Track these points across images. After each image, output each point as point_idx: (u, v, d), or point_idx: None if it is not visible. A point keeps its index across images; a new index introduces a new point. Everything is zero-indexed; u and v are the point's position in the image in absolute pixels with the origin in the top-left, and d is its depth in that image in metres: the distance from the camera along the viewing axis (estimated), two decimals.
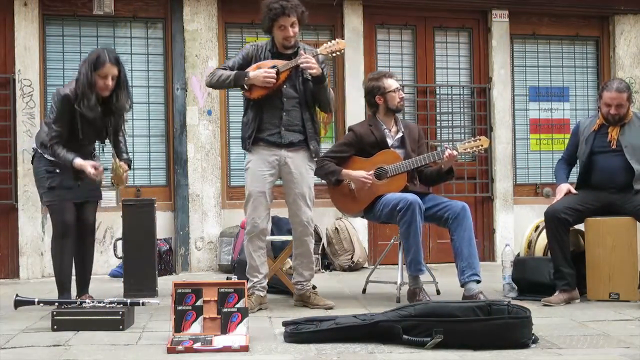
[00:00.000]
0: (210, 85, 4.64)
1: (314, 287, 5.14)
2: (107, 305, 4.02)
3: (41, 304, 4.15)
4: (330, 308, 4.48)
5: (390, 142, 4.93)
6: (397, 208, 4.62)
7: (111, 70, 4.29)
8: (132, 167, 4.71)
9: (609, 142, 4.84)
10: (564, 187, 4.87)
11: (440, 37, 7.48)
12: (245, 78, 4.42)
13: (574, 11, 7.65)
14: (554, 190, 5.17)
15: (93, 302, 4.11)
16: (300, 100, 4.51)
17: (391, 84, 4.95)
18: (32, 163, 4.64)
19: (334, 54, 4.55)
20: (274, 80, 4.38)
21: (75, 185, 4.45)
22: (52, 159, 4.42)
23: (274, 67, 4.43)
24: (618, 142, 4.81)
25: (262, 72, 4.39)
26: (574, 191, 4.84)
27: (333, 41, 4.54)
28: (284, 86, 4.47)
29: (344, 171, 4.86)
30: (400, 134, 4.98)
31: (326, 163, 4.90)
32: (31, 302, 4.12)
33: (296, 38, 4.51)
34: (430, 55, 7.43)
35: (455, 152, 4.73)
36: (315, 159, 4.67)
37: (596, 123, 4.91)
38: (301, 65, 4.39)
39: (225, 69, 4.55)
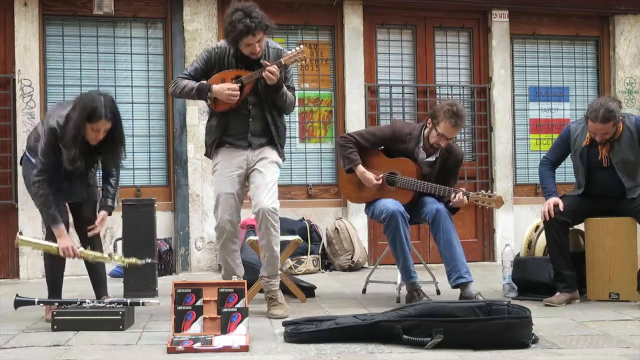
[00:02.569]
0: (174, 95, 4.51)
1: (313, 287, 5.16)
2: (107, 305, 4.02)
3: (41, 304, 4.15)
4: (280, 318, 4.17)
5: (419, 159, 4.83)
6: (382, 217, 4.63)
7: (104, 125, 4.07)
8: (111, 214, 4.43)
9: (600, 160, 4.76)
10: (551, 202, 4.76)
11: (440, 37, 7.48)
12: (209, 92, 4.30)
13: (574, 11, 7.65)
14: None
15: (93, 302, 4.10)
16: (264, 105, 4.39)
17: (445, 128, 4.66)
18: (20, 164, 4.49)
19: (297, 62, 4.38)
20: (237, 98, 4.27)
21: (67, 186, 4.28)
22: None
23: (237, 78, 4.30)
24: (609, 159, 4.74)
25: (226, 88, 4.26)
26: (561, 206, 4.71)
27: (297, 48, 4.36)
28: (249, 95, 4.36)
29: (359, 167, 4.81)
30: (432, 158, 4.84)
31: (350, 145, 4.85)
32: (31, 302, 4.12)
33: (262, 48, 4.34)
34: (430, 55, 7.43)
35: (465, 200, 4.60)
36: (282, 158, 4.53)
37: (587, 137, 4.78)
38: (263, 75, 4.25)
39: (187, 78, 4.38)
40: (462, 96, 7.50)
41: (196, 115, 6.76)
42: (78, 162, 4.08)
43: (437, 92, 7.45)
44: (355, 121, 7.01)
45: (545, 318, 4.17)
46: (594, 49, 7.85)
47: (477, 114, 7.49)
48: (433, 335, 3.39)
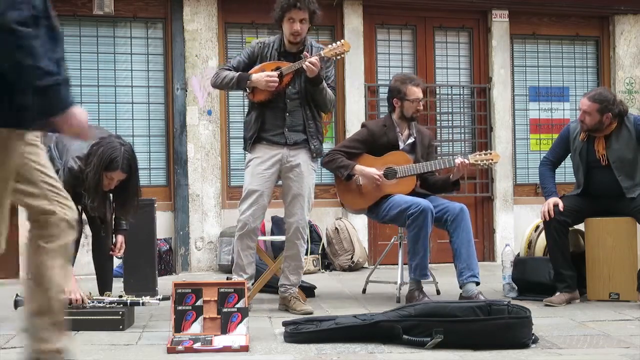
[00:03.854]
0: (214, 86, 4.61)
1: (313, 287, 5.16)
2: (107, 305, 4.02)
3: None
4: (308, 314, 4.30)
5: (401, 145, 4.91)
6: (409, 212, 4.61)
7: (118, 176, 4.09)
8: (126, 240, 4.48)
9: (598, 158, 4.76)
10: (551, 202, 4.76)
11: (440, 37, 7.48)
12: (248, 81, 4.38)
13: (574, 11, 7.65)
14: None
15: (92, 302, 4.09)
16: (301, 99, 4.47)
17: (413, 92, 4.86)
18: None
19: (338, 56, 4.50)
20: (276, 85, 4.34)
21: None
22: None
23: (277, 69, 4.39)
24: (607, 157, 4.75)
25: (265, 75, 4.34)
26: (561, 206, 4.72)
27: (338, 42, 4.49)
28: (288, 87, 4.44)
29: (357, 166, 4.84)
30: (412, 139, 4.93)
31: (338, 157, 4.88)
32: None
33: (303, 36, 4.44)
34: (430, 55, 7.43)
35: (466, 161, 4.70)
36: (316, 159, 4.61)
37: (582, 131, 4.81)
38: (304, 66, 4.34)
39: (230, 69, 4.50)
40: (462, 96, 7.50)
41: (196, 115, 6.75)
42: (98, 208, 4.14)
43: (437, 92, 7.45)
44: (355, 121, 7.00)
45: (545, 318, 4.17)
46: (594, 49, 7.85)
47: (477, 114, 7.49)
48: (433, 335, 3.39)
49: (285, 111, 4.45)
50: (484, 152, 4.89)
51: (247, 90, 4.44)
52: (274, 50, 4.49)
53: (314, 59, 4.31)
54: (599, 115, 4.67)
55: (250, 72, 4.45)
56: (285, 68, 4.39)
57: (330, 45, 4.48)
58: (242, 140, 4.66)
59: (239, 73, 4.45)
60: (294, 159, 4.47)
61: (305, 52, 4.40)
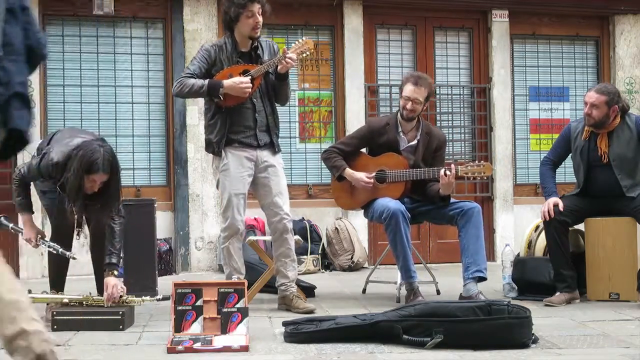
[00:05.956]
0: (180, 95, 4.48)
1: (313, 287, 5.16)
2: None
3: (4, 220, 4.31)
4: (311, 312, 4.30)
5: (402, 145, 4.86)
6: (382, 217, 4.61)
7: (100, 178, 3.98)
8: (117, 275, 4.16)
9: (600, 156, 4.76)
10: (551, 202, 4.76)
11: (440, 37, 7.48)
12: (221, 88, 4.30)
13: (574, 11, 7.65)
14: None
15: (44, 241, 4.16)
16: (264, 97, 4.46)
17: (405, 90, 4.82)
18: None
19: (303, 54, 4.48)
20: (250, 90, 4.31)
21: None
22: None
23: (245, 72, 4.34)
24: (608, 155, 4.75)
25: (238, 81, 4.28)
26: (561, 207, 4.71)
27: (300, 41, 4.46)
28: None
29: (347, 170, 4.84)
30: (415, 141, 4.87)
31: (334, 155, 4.89)
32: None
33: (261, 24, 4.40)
34: (430, 55, 7.43)
35: (449, 173, 4.54)
36: (279, 153, 4.57)
37: (585, 130, 4.80)
38: (284, 62, 4.30)
39: (193, 76, 4.36)
40: (462, 96, 7.50)
41: (196, 115, 6.75)
42: (79, 212, 4.11)
43: (437, 92, 7.44)
44: (355, 121, 7.00)
45: (545, 318, 4.17)
46: (594, 49, 7.85)
47: (477, 114, 7.49)
48: (433, 335, 3.39)
49: (255, 111, 4.43)
50: (476, 163, 4.72)
51: (220, 98, 4.33)
52: (230, 52, 4.41)
53: (294, 55, 4.33)
54: (606, 108, 4.66)
55: (217, 77, 4.37)
56: (255, 71, 4.34)
57: (293, 46, 4.45)
58: (206, 143, 4.55)
59: (207, 80, 4.33)
60: (267, 159, 4.47)
61: (284, 48, 4.40)
